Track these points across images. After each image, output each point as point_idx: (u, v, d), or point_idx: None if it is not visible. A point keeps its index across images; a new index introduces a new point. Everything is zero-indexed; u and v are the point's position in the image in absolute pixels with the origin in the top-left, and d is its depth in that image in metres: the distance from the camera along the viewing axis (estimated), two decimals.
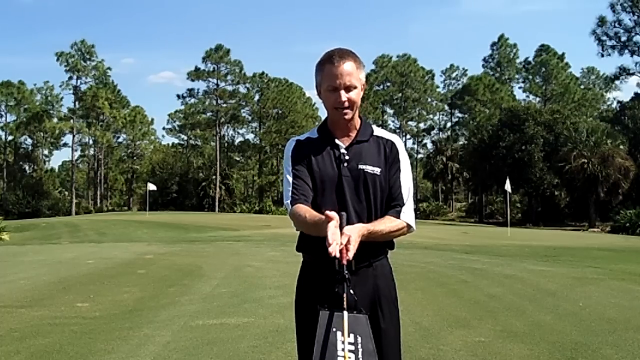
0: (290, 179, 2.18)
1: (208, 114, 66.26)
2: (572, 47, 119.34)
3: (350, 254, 1.89)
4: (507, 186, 23.03)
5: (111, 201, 76.19)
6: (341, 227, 1.94)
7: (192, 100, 65.35)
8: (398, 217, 2.16)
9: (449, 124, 72.65)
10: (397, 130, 67.35)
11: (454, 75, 72.33)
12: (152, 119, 75.12)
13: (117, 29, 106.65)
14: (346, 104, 2.14)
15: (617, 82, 54.07)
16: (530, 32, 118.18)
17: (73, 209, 59.48)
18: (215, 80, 63.28)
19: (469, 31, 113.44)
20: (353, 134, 2.22)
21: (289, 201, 2.15)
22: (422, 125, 72.52)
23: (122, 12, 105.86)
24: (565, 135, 41.55)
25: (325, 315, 1.93)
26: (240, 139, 71.47)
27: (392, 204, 2.18)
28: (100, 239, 19.91)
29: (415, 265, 10.09)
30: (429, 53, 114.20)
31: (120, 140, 73.65)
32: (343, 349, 1.86)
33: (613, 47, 45.84)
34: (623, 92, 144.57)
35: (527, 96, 65.85)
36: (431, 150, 66.34)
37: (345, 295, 1.90)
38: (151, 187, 37.30)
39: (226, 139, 70.18)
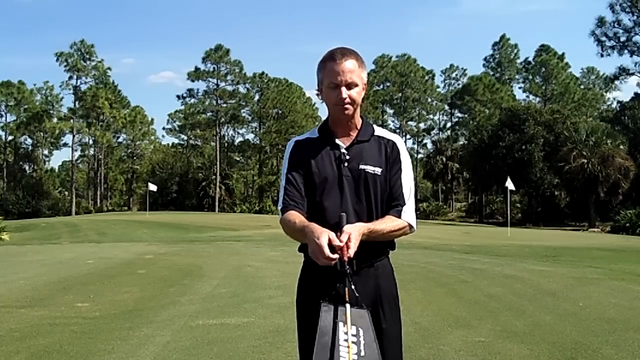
0: (283, 184, 2.21)
1: (208, 114, 66.26)
2: (572, 47, 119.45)
3: (351, 252, 1.92)
4: (509, 184, 22.95)
5: (111, 201, 76.19)
6: (341, 227, 1.99)
7: (192, 100, 65.46)
8: (399, 216, 2.16)
9: (449, 124, 72.70)
10: (397, 130, 67.32)
11: (453, 75, 72.37)
12: (152, 119, 75.27)
13: (117, 29, 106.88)
14: (347, 100, 2.13)
15: (617, 82, 53.99)
16: (530, 32, 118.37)
17: (73, 209, 59.48)
18: (215, 80, 63.30)
19: (468, 31, 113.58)
20: (354, 134, 2.22)
21: (280, 208, 2.19)
22: (422, 125, 72.59)
23: (122, 12, 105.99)
24: (565, 135, 41.53)
25: (328, 308, 1.96)
26: (240, 139, 71.59)
27: (393, 204, 2.18)
28: (100, 239, 19.91)
29: (415, 265, 10.09)
30: (429, 53, 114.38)
31: (120, 140, 73.74)
32: (346, 340, 1.89)
33: (612, 47, 45.79)
34: (623, 92, 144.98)
35: (527, 96, 65.91)
36: (431, 150, 66.33)
37: (347, 289, 1.94)
38: (152, 187, 37.26)
39: (226, 139, 70.19)
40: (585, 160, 38.04)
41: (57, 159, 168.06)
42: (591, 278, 8.84)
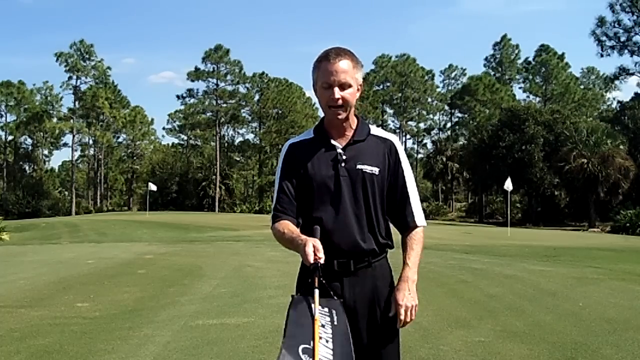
0: (276, 190, 2.22)
1: (208, 114, 66.20)
2: (572, 47, 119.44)
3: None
4: (509, 185, 22.93)
5: (111, 201, 76.19)
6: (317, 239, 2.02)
7: (192, 100, 65.36)
8: (415, 225, 2.20)
9: (449, 124, 72.64)
10: (397, 130, 67.43)
11: (453, 75, 72.33)
12: (152, 119, 75.19)
13: (117, 29, 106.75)
14: (339, 102, 2.11)
15: (617, 82, 53.98)
16: (530, 32, 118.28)
17: (73, 209, 59.48)
18: (215, 81, 63.24)
19: (468, 31, 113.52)
20: (350, 134, 2.20)
21: (271, 215, 2.22)
22: (422, 125, 72.58)
23: (122, 12, 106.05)
24: (565, 135, 41.51)
25: (299, 298, 2.01)
26: (240, 139, 71.53)
27: (401, 210, 2.20)
28: (100, 239, 19.91)
29: None
30: (429, 53, 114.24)
31: (120, 140, 73.69)
32: (320, 312, 1.94)
33: (612, 47, 45.73)
34: (623, 92, 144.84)
35: (527, 96, 65.85)
36: (431, 150, 66.31)
37: (316, 278, 1.97)
38: (152, 187, 37.29)
39: (226, 139, 70.16)
40: (585, 160, 38.02)
41: (57, 159, 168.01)
42: (591, 278, 8.84)
